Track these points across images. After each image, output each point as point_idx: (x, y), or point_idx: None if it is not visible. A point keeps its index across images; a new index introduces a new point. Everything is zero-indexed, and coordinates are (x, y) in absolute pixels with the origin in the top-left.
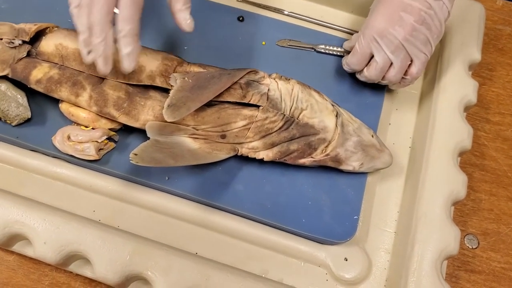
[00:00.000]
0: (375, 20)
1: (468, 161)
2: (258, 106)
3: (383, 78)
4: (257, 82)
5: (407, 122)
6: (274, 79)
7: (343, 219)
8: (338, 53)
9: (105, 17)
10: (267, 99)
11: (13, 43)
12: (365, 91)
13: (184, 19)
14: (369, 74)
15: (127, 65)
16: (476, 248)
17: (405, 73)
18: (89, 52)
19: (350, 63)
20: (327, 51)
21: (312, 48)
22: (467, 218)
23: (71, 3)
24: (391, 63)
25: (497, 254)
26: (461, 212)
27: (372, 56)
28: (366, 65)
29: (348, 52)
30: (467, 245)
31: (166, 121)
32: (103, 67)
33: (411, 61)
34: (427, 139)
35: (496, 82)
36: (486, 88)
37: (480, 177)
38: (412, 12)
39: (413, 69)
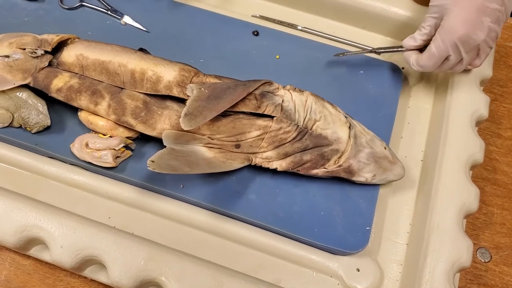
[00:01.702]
0: (457, 25)
1: (480, 175)
2: (272, 117)
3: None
4: (272, 93)
5: (419, 135)
6: (288, 90)
7: (355, 230)
8: (399, 50)
9: None
10: (281, 110)
11: (35, 53)
12: (378, 104)
13: None
14: (441, 69)
15: None
16: (488, 261)
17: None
18: None
19: (425, 65)
20: (387, 50)
21: (374, 51)
22: (479, 231)
23: None
24: (461, 59)
25: (510, 268)
26: (473, 226)
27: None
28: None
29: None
30: (480, 258)
31: (182, 131)
32: None
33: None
34: (439, 152)
35: (507, 98)
36: (498, 104)
37: (492, 191)
38: (490, 14)
39: (477, 62)
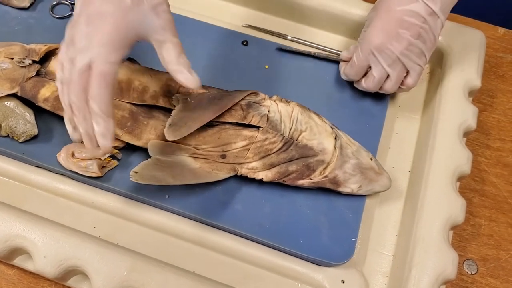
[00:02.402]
0: (373, 35)
1: (468, 186)
2: (258, 127)
3: (380, 88)
4: (258, 103)
5: (407, 146)
6: (275, 101)
7: (341, 241)
8: (335, 59)
9: (80, 96)
10: (267, 121)
11: (23, 62)
12: (365, 115)
13: (185, 79)
14: (367, 85)
15: (100, 143)
16: (475, 273)
17: (402, 83)
18: (74, 129)
19: (348, 74)
20: (325, 56)
21: (310, 54)
22: (466, 243)
23: (56, 76)
24: (388, 75)
25: (496, 280)
26: (460, 237)
27: (370, 67)
28: (364, 75)
29: (345, 61)
30: (466, 270)
31: (168, 141)
32: (89, 145)
33: (407, 72)
34: (426, 163)
35: (496, 109)
36: (487, 115)
37: (480, 202)
38: (409, 28)
39: (409, 80)
